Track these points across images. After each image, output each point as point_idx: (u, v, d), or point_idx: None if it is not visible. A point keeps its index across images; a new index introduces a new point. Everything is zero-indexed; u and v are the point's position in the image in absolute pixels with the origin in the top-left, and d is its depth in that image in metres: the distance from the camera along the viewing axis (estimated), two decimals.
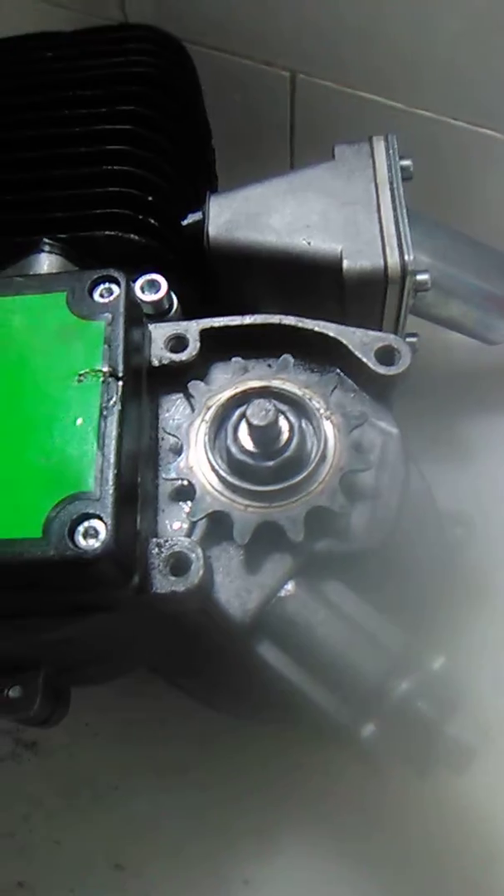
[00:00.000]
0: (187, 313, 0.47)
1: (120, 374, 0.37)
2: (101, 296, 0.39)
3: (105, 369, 0.37)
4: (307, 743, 0.53)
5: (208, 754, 0.56)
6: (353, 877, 0.52)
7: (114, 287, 0.40)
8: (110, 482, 0.34)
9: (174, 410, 0.44)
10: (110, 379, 0.37)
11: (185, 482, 0.40)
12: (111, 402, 0.36)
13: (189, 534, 0.40)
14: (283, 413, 0.41)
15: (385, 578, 0.44)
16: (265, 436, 0.39)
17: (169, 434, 0.42)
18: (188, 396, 0.43)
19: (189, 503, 0.40)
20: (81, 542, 0.33)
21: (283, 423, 0.40)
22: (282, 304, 0.46)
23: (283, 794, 0.54)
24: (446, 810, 0.51)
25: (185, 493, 0.41)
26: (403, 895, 0.52)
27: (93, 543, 0.33)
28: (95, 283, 0.40)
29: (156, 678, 0.54)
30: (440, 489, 0.56)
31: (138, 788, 0.56)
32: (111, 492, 0.34)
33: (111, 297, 0.39)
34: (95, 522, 0.33)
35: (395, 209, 0.50)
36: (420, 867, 0.51)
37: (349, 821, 0.53)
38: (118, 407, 0.36)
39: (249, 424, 0.39)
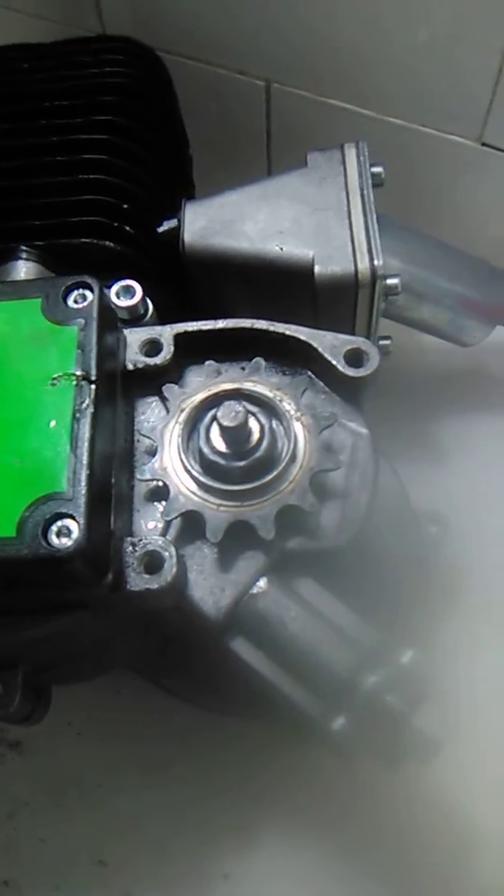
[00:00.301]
0: (164, 318, 0.48)
1: (93, 378, 0.38)
2: (75, 302, 0.41)
3: (78, 373, 0.38)
4: (285, 740, 0.54)
5: (189, 752, 0.57)
6: (331, 869, 0.53)
7: (87, 293, 0.41)
8: (83, 483, 0.35)
9: (149, 413, 0.45)
10: (83, 382, 0.38)
11: (160, 483, 0.41)
12: (84, 405, 0.37)
13: (164, 533, 0.41)
14: (253, 414, 0.42)
15: (359, 576, 0.45)
16: (236, 436, 0.40)
17: (144, 436, 0.43)
18: (163, 399, 0.44)
19: (163, 503, 0.41)
20: (55, 540, 0.34)
21: (253, 424, 0.41)
22: (257, 308, 0.47)
23: (261, 791, 0.55)
24: (419, 804, 0.52)
25: (160, 493, 0.42)
26: (379, 886, 0.53)
27: (65, 542, 0.34)
28: (69, 290, 0.41)
29: (136, 677, 0.55)
30: (415, 489, 0.58)
31: (121, 786, 0.57)
32: (83, 492, 0.35)
33: (84, 303, 0.40)
34: (68, 522, 0.34)
35: (365, 215, 0.51)
36: (394, 859, 0.52)
37: (326, 815, 0.54)
38: (91, 409, 0.37)
39: (220, 426, 0.40)
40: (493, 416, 0.68)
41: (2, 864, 0.56)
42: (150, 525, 0.42)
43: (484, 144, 0.60)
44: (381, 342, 0.58)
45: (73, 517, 0.34)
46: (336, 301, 0.51)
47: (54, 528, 0.34)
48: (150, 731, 0.58)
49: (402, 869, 0.52)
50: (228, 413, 0.40)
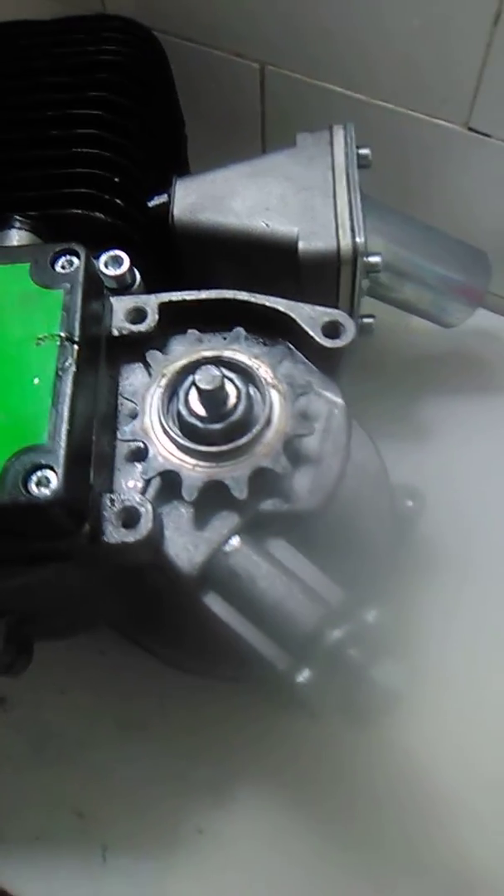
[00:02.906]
0: (151, 289, 0.49)
1: (76, 339, 0.40)
2: (62, 267, 0.42)
3: (62, 334, 0.40)
4: (260, 702, 0.56)
5: (168, 711, 0.59)
6: (303, 827, 0.55)
7: (74, 259, 0.42)
8: (62, 436, 0.37)
9: (133, 378, 0.47)
10: (66, 343, 0.39)
11: (140, 443, 0.43)
12: (66, 364, 0.39)
13: (143, 492, 0.43)
14: (231, 380, 0.43)
15: (335, 541, 0.47)
16: (213, 399, 0.42)
17: (126, 399, 0.45)
18: (146, 365, 0.46)
19: (143, 463, 0.43)
20: (34, 489, 0.36)
21: (230, 389, 0.43)
22: (243, 282, 0.49)
23: (236, 750, 0.57)
24: (390, 767, 0.54)
25: (140, 453, 0.43)
26: (349, 846, 0.55)
27: (44, 491, 0.36)
28: (57, 256, 0.42)
29: (120, 639, 0.57)
30: (395, 465, 0.59)
31: (101, 742, 0.59)
32: (63, 445, 0.37)
33: (71, 269, 0.42)
34: (48, 472, 0.36)
35: (349, 194, 0.53)
36: (365, 821, 0.54)
37: (299, 775, 0.56)
38: (73, 368, 0.39)
39: (198, 389, 0.42)
40: (474, 398, 0.69)
41: None
42: (130, 484, 0.44)
43: (470, 129, 0.61)
44: (365, 320, 0.60)
45: (52, 468, 0.36)
46: (319, 277, 0.53)
47: (34, 477, 0.36)
48: (131, 690, 0.60)
49: (373, 830, 0.54)
50: (206, 377, 0.41)
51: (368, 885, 0.53)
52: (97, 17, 0.63)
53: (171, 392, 0.44)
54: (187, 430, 0.43)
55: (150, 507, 0.40)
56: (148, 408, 0.44)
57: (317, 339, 0.45)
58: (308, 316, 0.46)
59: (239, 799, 0.57)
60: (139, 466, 0.44)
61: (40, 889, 0.55)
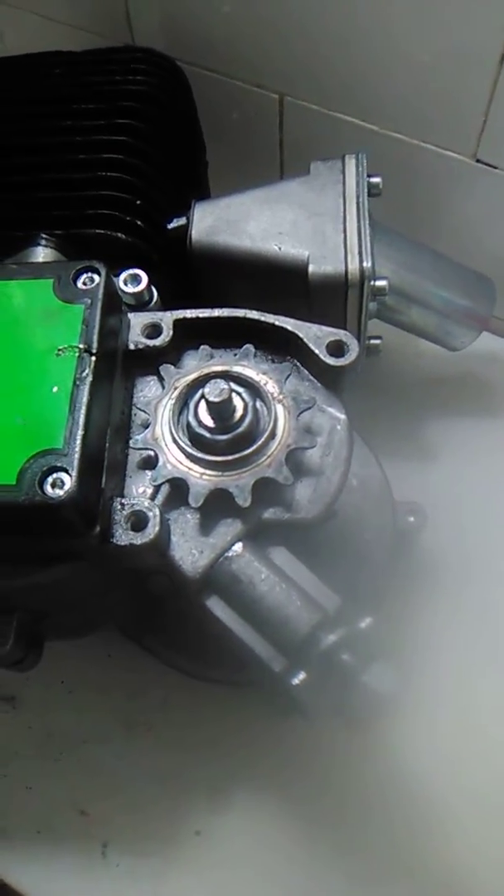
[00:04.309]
0: (167, 306, 0.52)
1: (94, 351, 0.42)
2: (84, 283, 0.45)
3: (81, 346, 0.42)
4: (260, 707, 0.58)
5: (171, 714, 0.61)
6: (299, 829, 0.56)
7: (95, 276, 0.45)
8: (77, 441, 0.39)
9: (147, 390, 0.49)
10: (85, 354, 0.42)
11: (151, 452, 0.45)
12: (84, 374, 0.41)
13: (152, 497, 0.45)
14: (238, 394, 0.46)
15: (336, 551, 0.49)
16: (220, 411, 0.44)
17: (139, 409, 0.47)
18: (160, 378, 0.48)
19: (153, 471, 0.45)
20: (49, 490, 0.38)
21: (237, 402, 0.45)
22: (256, 302, 0.51)
23: (235, 754, 0.58)
24: (386, 772, 0.56)
25: (150, 461, 0.45)
26: (344, 850, 0.56)
27: (58, 492, 0.38)
28: (79, 273, 0.45)
29: (128, 643, 0.59)
30: (399, 482, 0.61)
31: (106, 743, 0.61)
32: (78, 449, 0.39)
33: (92, 285, 0.45)
34: (62, 475, 0.39)
35: (359, 221, 0.55)
36: (360, 825, 0.56)
37: (296, 780, 0.57)
38: (90, 378, 0.41)
39: (207, 401, 0.44)
40: (477, 419, 0.71)
41: None
42: (140, 490, 0.46)
43: (478, 161, 0.64)
44: (372, 341, 0.62)
45: (66, 471, 0.39)
46: (328, 299, 0.55)
47: (50, 479, 0.38)
48: (136, 692, 0.62)
49: (370, 833, 0.55)
50: (214, 389, 0.44)
51: (364, 887, 0.54)
52: (126, 48, 0.66)
53: (182, 404, 0.47)
54: (196, 439, 0.45)
55: (157, 511, 0.42)
56: (159, 418, 0.46)
57: (322, 357, 0.47)
58: (314, 335, 0.48)
59: (237, 800, 0.58)
60: (149, 473, 0.46)
61: (41, 884, 0.57)
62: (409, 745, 0.55)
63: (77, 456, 0.39)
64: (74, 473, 0.38)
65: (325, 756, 0.57)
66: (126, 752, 0.60)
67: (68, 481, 0.38)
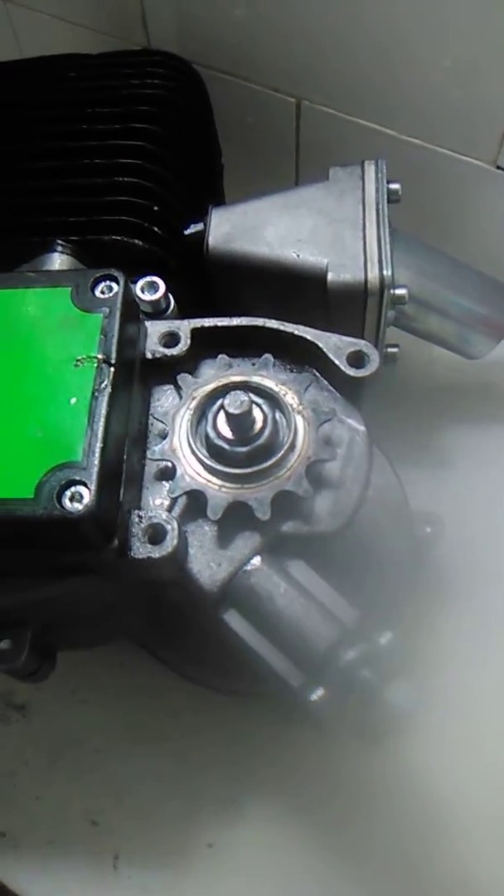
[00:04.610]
0: (185, 314, 0.51)
1: (112, 362, 0.41)
2: (102, 292, 0.44)
3: (99, 356, 0.42)
4: (273, 718, 0.57)
5: (184, 725, 0.60)
6: (312, 843, 0.56)
7: (113, 285, 0.44)
8: (96, 454, 0.39)
9: (164, 399, 0.49)
10: (103, 365, 0.41)
11: (168, 463, 0.45)
12: (103, 385, 0.41)
13: (169, 509, 0.45)
14: (258, 405, 0.45)
15: (354, 563, 0.49)
16: (239, 423, 0.44)
17: (157, 420, 0.47)
18: (177, 387, 0.48)
19: (171, 482, 0.45)
20: (67, 504, 0.38)
21: (257, 414, 0.45)
22: (273, 310, 0.51)
23: (248, 766, 0.58)
24: (399, 783, 0.55)
25: (168, 473, 0.45)
26: (358, 862, 0.55)
27: (77, 506, 0.37)
28: (97, 281, 0.44)
29: (140, 652, 0.59)
30: (415, 492, 0.60)
31: (117, 752, 0.60)
32: (96, 462, 0.39)
33: (110, 294, 0.44)
34: (81, 488, 0.38)
35: (378, 228, 0.55)
36: (373, 836, 0.55)
37: (309, 792, 0.57)
38: (109, 390, 0.41)
39: (226, 413, 0.43)
40: (495, 428, 0.70)
41: (0, 817, 0.60)
42: (158, 501, 0.45)
43: (499, 168, 0.63)
44: (389, 349, 0.61)
45: (85, 484, 0.38)
46: (346, 307, 0.55)
47: (68, 493, 0.38)
48: (149, 702, 0.61)
49: (381, 846, 0.54)
50: (234, 401, 0.43)
51: None
52: (142, 51, 0.65)
53: (200, 414, 0.46)
54: (214, 451, 0.45)
55: (175, 524, 0.42)
56: (177, 428, 0.45)
57: (342, 368, 0.47)
58: (334, 345, 0.47)
59: (249, 812, 0.58)
60: (167, 485, 0.45)
61: (52, 894, 0.57)
62: (420, 755, 0.55)
63: (96, 469, 0.38)
64: (93, 487, 0.38)
65: (337, 766, 0.56)
66: (138, 762, 0.60)
67: (87, 495, 0.38)
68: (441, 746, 0.54)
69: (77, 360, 0.42)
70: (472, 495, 0.66)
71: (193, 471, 0.44)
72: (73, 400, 0.41)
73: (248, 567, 0.44)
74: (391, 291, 0.54)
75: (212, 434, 0.45)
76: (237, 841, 0.57)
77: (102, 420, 0.40)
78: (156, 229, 0.54)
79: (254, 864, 0.56)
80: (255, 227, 0.57)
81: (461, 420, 0.71)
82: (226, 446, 0.44)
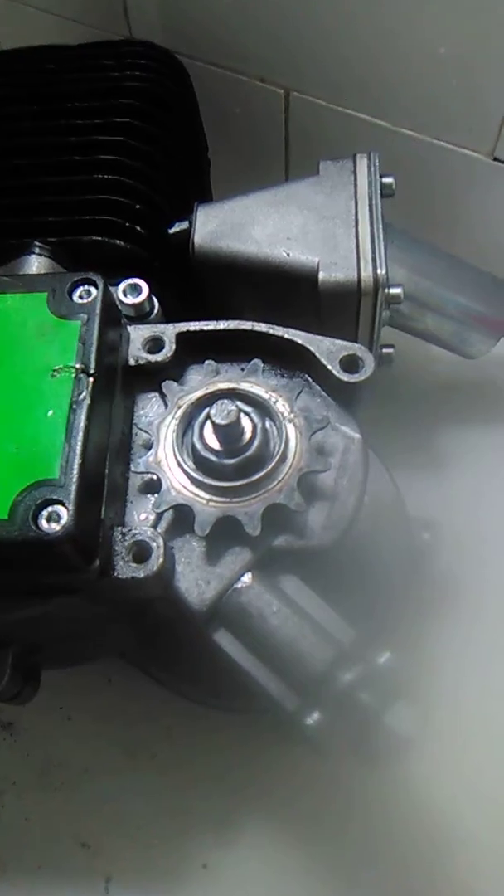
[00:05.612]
0: (170, 318, 0.49)
1: (91, 371, 0.39)
2: (80, 297, 0.42)
3: (78, 366, 0.39)
4: (266, 735, 0.55)
5: (174, 742, 0.59)
6: (306, 863, 0.54)
7: (92, 289, 0.42)
8: (75, 471, 0.36)
9: (148, 408, 0.46)
10: (82, 375, 0.39)
11: (153, 476, 0.42)
12: (81, 397, 0.38)
13: (155, 525, 0.42)
14: (247, 414, 0.43)
15: (350, 576, 0.46)
16: (228, 434, 0.41)
17: (141, 430, 0.45)
18: (162, 395, 0.46)
19: (156, 496, 0.42)
20: (44, 525, 0.35)
21: (246, 423, 0.42)
22: (263, 312, 0.49)
23: (241, 784, 0.56)
24: (395, 801, 0.53)
25: (153, 486, 0.43)
26: (356, 881, 0.54)
27: (54, 527, 0.35)
28: (75, 285, 0.42)
29: (130, 668, 0.57)
30: (413, 496, 0.59)
31: (107, 771, 0.59)
32: (75, 480, 0.36)
33: (89, 299, 0.42)
34: (58, 508, 0.36)
35: (372, 224, 0.52)
36: (369, 856, 0.54)
37: (304, 811, 0.55)
38: (87, 402, 0.38)
39: (213, 423, 0.41)
40: (493, 428, 0.69)
41: None
42: (142, 516, 0.43)
43: (496, 159, 0.61)
44: (384, 350, 0.59)
45: (63, 503, 0.36)
46: (339, 308, 0.52)
47: (45, 512, 0.36)
48: (138, 719, 0.59)
49: (377, 865, 0.53)
50: (221, 411, 0.41)
51: None
52: (123, 42, 0.63)
53: (187, 424, 0.44)
54: (201, 463, 0.42)
55: (161, 541, 0.40)
56: (162, 439, 0.43)
57: (335, 373, 0.45)
58: (327, 350, 0.45)
59: (244, 833, 0.56)
60: (151, 498, 0.43)
61: None
62: (421, 774, 0.53)
63: (74, 487, 0.36)
64: (71, 507, 0.36)
65: (337, 787, 0.54)
66: (129, 781, 0.58)
67: (65, 515, 0.36)
68: (447, 770, 0.52)
69: (54, 371, 0.39)
70: (473, 498, 0.64)
71: (180, 484, 0.42)
72: (50, 413, 0.38)
73: (239, 585, 0.42)
74: (386, 290, 0.51)
75: (199, 445, 0.42)
76: (232, 862, 0.56)
77: (81, 434, 0.37)
78: (138, 228, 0.52)
79: (249, 884, 0.55)
80: (243, 225, 0.54)
81: (460, 421, 0.69)
82: (213, 458, 0.42)
